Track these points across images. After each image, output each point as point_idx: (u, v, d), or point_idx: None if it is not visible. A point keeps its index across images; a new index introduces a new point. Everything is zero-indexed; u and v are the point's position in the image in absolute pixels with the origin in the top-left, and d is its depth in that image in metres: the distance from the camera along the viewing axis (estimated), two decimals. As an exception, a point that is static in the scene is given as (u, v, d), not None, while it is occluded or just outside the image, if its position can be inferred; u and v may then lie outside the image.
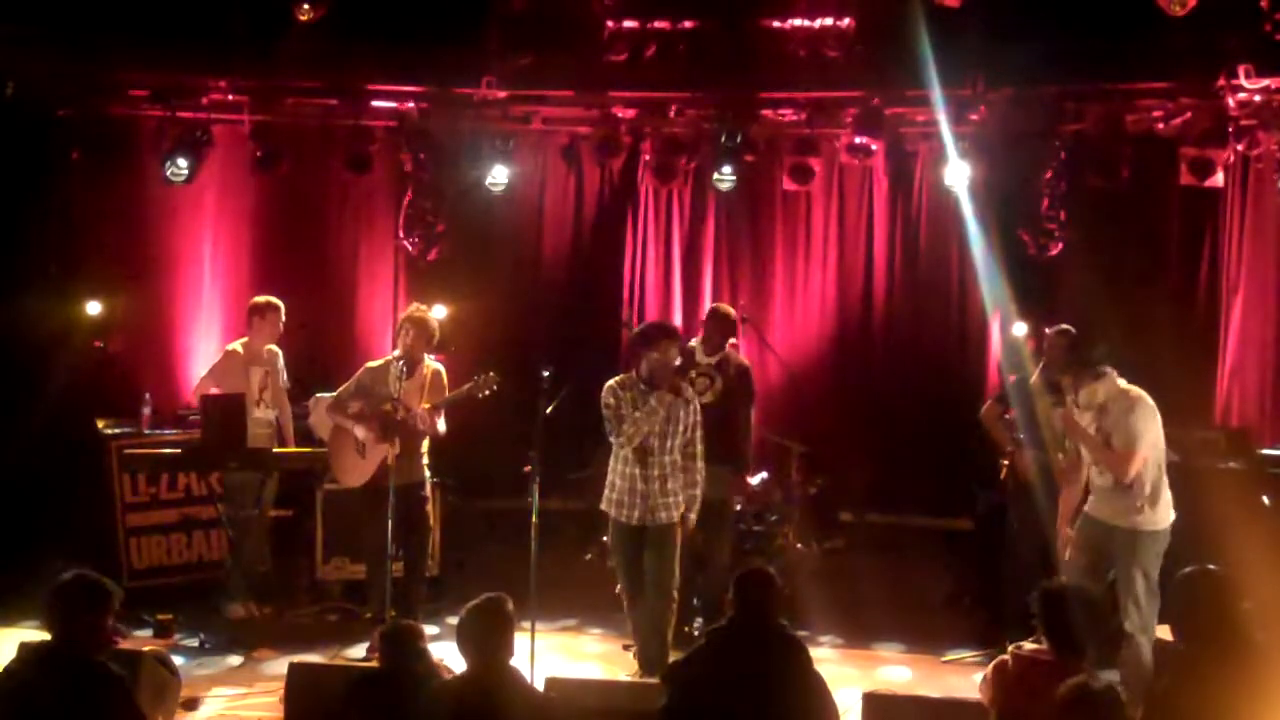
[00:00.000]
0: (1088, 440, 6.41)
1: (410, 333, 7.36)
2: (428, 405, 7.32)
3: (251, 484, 7.99)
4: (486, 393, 7.26)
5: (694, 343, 7.95)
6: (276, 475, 8.15)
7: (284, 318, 8.25)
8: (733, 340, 8.09)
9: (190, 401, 9.09)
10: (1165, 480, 6.41)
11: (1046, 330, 7.60)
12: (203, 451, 7.73)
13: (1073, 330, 7.30)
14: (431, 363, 7.52)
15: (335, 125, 9.62)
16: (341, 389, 7.49)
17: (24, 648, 4.78)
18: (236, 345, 8.24)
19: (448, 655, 7.20)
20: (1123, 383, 6.42)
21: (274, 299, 8.29)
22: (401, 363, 7.25)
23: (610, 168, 10.22)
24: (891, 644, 7.91)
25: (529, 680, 4.84)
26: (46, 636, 4.53)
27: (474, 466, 9.03)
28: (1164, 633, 5.54)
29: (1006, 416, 7.74)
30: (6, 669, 4.59)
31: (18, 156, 9.16)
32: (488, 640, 4.50)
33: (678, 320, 10.44)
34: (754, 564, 5.96)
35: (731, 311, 8.10)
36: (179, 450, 7.97)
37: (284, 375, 8.33)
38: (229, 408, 7.70)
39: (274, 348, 8.27)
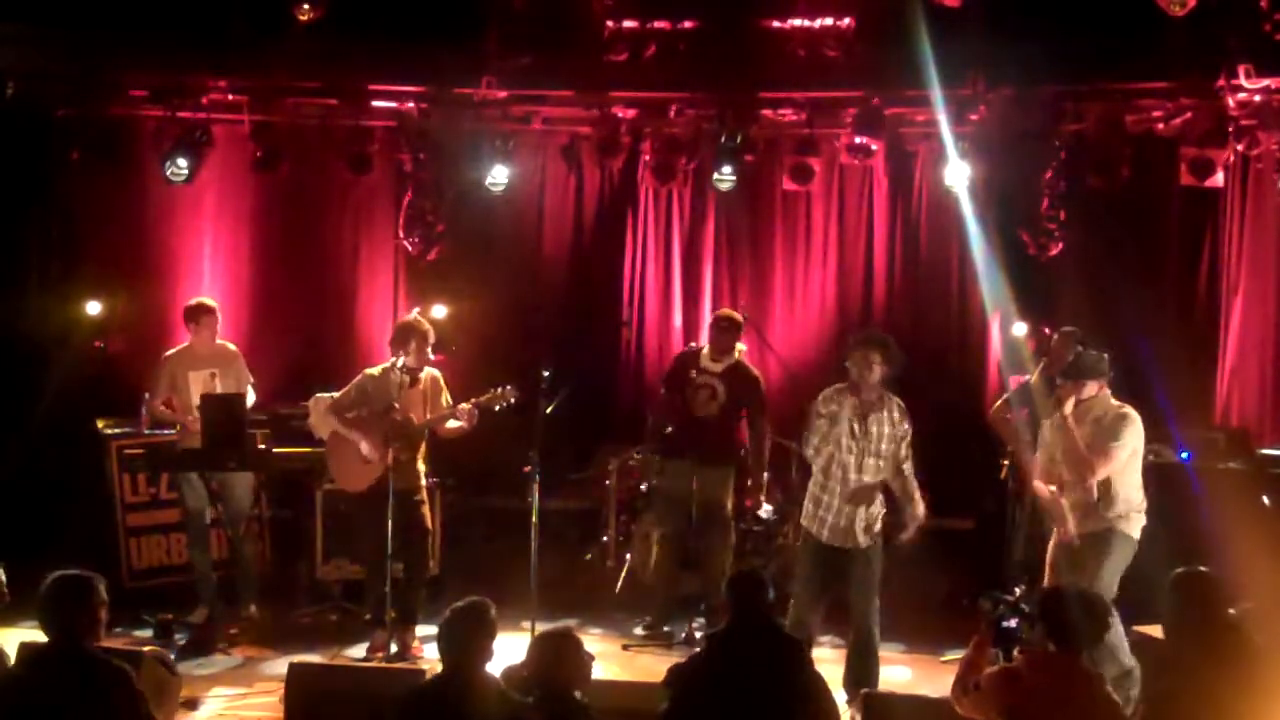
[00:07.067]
0: (1070, 438, 6.31)
1: (415, 344, 7.34)
2: (467, 405, 7.30)
3: (200, 488, 7.81)
4: (503, 405, 7.24)
5: (704, 348, 7.98)
6: (256, 478, 8.02)
7: (219, 319, 8.01)
8: (743, 347, 8.09)
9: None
10: (1143, 501, 6.35)
11: (1050, 331, 7.59)
12: (203, 451, 7.73)
13: (1079, 333, 7.29)
14: (428, 369, 7.53)
15: (335, 125, 9.60)
16: (341, 394, 7.48)
17: (25, 649, 4.79)
18: (171, 351, 8.04)
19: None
20: (1114, 402, 6.41)
21: (207, 301, 8.11)
22: (405, 372, 7.27)
23: (610, 168, 10.19)
24: (891, 644, 7.88)
25: (502, 686, 4.63)
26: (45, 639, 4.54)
27: (474, 466, 9.02)
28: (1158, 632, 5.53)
29: (1008, 417, 7.74)
30: (11, 671, 4.60)
31: (18, 156, 9.17)
32: (465, 643, 4.45)
33: (677, 321, 10.46)
34: (746, 565, 5.96)
35: (737, 316, 8.12)
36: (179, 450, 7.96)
37: (244, 373, 8.04)
38: (229, 408, 7.67)
39: (228, 346, 8.09)
